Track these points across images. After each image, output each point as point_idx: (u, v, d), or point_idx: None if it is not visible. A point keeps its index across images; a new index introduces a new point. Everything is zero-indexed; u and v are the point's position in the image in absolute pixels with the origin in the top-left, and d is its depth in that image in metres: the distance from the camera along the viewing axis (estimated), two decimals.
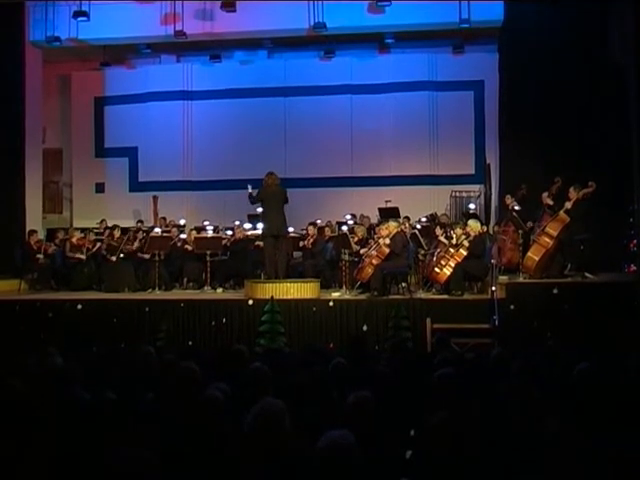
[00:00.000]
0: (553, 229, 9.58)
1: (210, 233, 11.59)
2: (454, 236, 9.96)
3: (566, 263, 9.79)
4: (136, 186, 15.32)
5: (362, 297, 9.77)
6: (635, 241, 10.38)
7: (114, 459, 2.39)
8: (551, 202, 10.06)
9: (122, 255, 11.31)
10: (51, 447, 3.12)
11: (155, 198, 14.55)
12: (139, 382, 4.57)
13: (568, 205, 9.57)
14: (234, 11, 12.26)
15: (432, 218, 12.23)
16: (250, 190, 10.18)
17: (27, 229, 12.39)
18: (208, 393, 3.59)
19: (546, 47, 11.69)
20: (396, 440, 3.41)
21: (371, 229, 11.78)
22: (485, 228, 10.62)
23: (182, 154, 15.23)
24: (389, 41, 14.51)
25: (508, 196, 11.18)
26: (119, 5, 12.88)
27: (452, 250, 9.77)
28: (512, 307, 8.98)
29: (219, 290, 11.00)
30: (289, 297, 9.48)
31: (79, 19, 12.52)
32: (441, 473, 2.77)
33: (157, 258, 10.91)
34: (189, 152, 15.26)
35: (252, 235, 11.53)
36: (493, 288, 9.02)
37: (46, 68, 14.16)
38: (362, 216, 13.01)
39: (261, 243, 10.68)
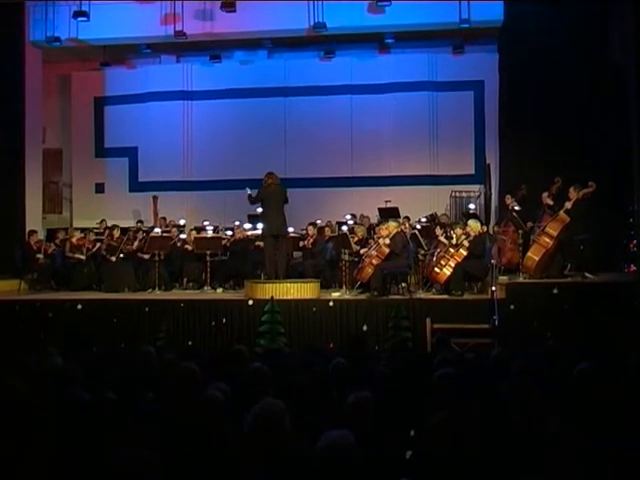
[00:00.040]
0: (553, 229, 9.58)
1: (210, 233, 11.58)
2: (454, 236, 9.96)
3: (566, 263, 9.80)
4: (136, 186, 15.32)
5: (362, 297, 9.77)
6: (635, 241, 10.39)
7: (114, 459, 2.39)
8: (551, 202, 10.06)
9: (122, 255, 11.32)
10: (51, 447, 3.12)
11: (155, 198, 14.55)
12: (139, 382, 4.57)
13: (568, 205, 9.57)
14: (234, 11, 12.26)
15: (432, 218, 12.23)
16: (249, 192, 10.19)
17: (27, 229, 12.39)
18: (208, 393, 3.59)
19: (546, 47, 11.70)
20: (396, 440, 3.41)
21: (371, 229, 11.78)
22: (485, 228, 10.62)
23: (182, 154, 15.23)
24: (389, 41, 14.50)
25: (508, 196, 11.19)
26: (119, 5, 12.88)
27: (452, 250, 9.78)
28: (512, 307, 8.98)
29: (219, 290, 11.01)
30: (289, 297, 9.47)
31: (79, 19, 12.52)
32: (441, 473, 2.77)
33: (157, 258, 10.91)
34: (189, 152, 15.25)
35: (252, 235, 11.53)
36: (493, 288, 9.01)
37: (46, 68, 14.16)
38: (362, 216, 13.01)
39: (261, 243, 10.69)
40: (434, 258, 10.11)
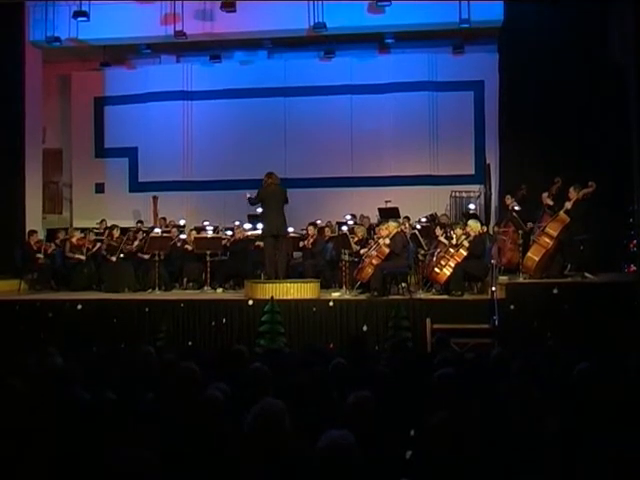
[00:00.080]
0: (553, 229, 9.58)
1: (210, 233, 11.59)
2: (454, 236, 9.96)
3: (566, 263, 9.80)
4: (136, 186, 15.32)
5: (362, 297, 9.77)
6: (635, 241, 10.38)
7: (114, 459, 2.39)
8: (551, 202, 10.07)
9: (122, 255, 11.32)
10: (51, 447, 3.12)
11: (155, 198, 14.55)
12: (139, 382, 4.57)
13: (568, 205, 9.57)
14: (234, 11, 12.26)
15: (432, 218, 12.23)
16: (248, 195, 10.21)
17: (27, 229, 12.39)
18: (208, 393, 3.59)
19: (546, 47, 11.70)
20: (396, 440, 3.41)
21: (371, 229, 11.78)
22: (485, 228, 10.62)
23: (182, 154, 15.23)
24: (389, 41, 14.50)
25: (508, 196, 11.19)
26: (119, 5, 12.88)
27: (452, 250, 9.77)
28: (512, 307, 8.98)
29: (219, 290, 11.01)
30: (289, 297, 9.47)
31: (79, 19, 12.52)
32: (441, 473, 2.77)
33: (157, 258, 10.91)
34: (189, 152, 15.25)
35: (252, 235, 11.53)
36: (493, 288, 9.01)
37: (46, 68, 14.16)
38: (362, 216, 13.01)
39: (261, 243, 10.69)
40: (434, 258, 10.11)
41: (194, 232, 12.18)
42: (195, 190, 15.08)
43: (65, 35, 13.04)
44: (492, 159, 13.23)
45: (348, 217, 12.33)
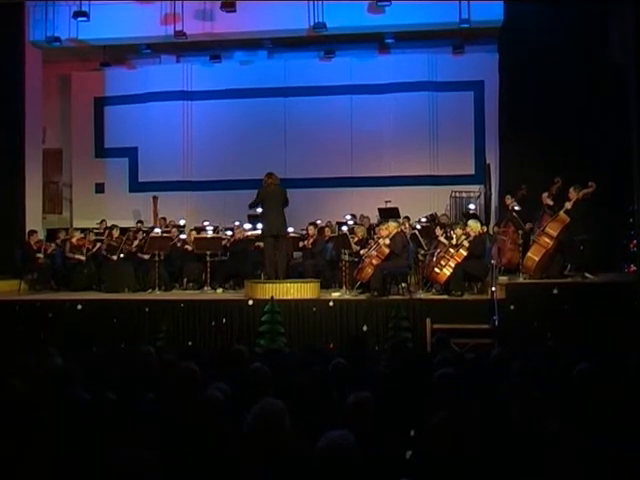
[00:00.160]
0: (553, 229, 9.58)
1: (210, 233, 11.59)
2: (454, 236, 9.96)
3: (566, 263, 9.80)
4: (136, 186, 15.32)
5: (362, 297, 9.77)
6: (635, 241, 10.38)
7: (114, 459, 2.39)
8: (551, 202, 10.06)
9: (122, 255, 11.32)
10: (51, 447, 3.12)
11: (155, 198, 14.54)
12: (139, 382, 4.57)
13: (568, 205, 9.57)
14: (234, 11, 12.26)
15: (432, 218, 12.23)
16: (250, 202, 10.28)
17: (27, 229, 12.39)
18: (208, 393, 3.59)
19: (546, 47, 11.69)
20: (396, 440, 3.41)
21: (371, 229, 11.79)
22: (485, 228, 10.62)
23: (182, 154, 15.23)
24: (389, 41, 14.50)
25: (508, 196, 11.19)
26: (119, 5, 12.88)
27: (452, 250, 9.77)
28: (512, 307, 8.98)
29: (219, 290, 11.00)
30: (289, 297, 9.47)
31: (79, 19, 12.52)
32: (441, 473, 2.77)
33: (157, 258, 10.91)
34: (189, 152, 15.25)
35: (252, 235, 11.53)
36: (493, 288, 9.01)
37: (46, 68, 14.16)
38: (362, 216, 13.02)
39: (261, 243, 10.69)
40: (434, 258, 10.11)
41: (194, 232, 12.18)
42: (195, 190, 15.08)
43: (65, 35, 13.05)
44: (492, 159, 13.23)
45: (348, 217, 12.33)
